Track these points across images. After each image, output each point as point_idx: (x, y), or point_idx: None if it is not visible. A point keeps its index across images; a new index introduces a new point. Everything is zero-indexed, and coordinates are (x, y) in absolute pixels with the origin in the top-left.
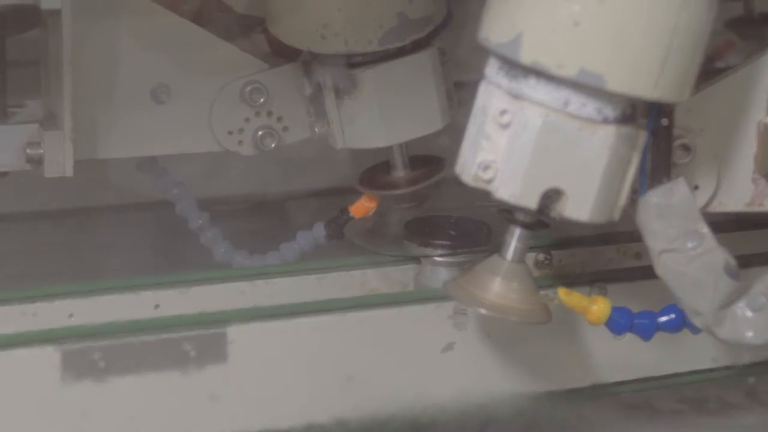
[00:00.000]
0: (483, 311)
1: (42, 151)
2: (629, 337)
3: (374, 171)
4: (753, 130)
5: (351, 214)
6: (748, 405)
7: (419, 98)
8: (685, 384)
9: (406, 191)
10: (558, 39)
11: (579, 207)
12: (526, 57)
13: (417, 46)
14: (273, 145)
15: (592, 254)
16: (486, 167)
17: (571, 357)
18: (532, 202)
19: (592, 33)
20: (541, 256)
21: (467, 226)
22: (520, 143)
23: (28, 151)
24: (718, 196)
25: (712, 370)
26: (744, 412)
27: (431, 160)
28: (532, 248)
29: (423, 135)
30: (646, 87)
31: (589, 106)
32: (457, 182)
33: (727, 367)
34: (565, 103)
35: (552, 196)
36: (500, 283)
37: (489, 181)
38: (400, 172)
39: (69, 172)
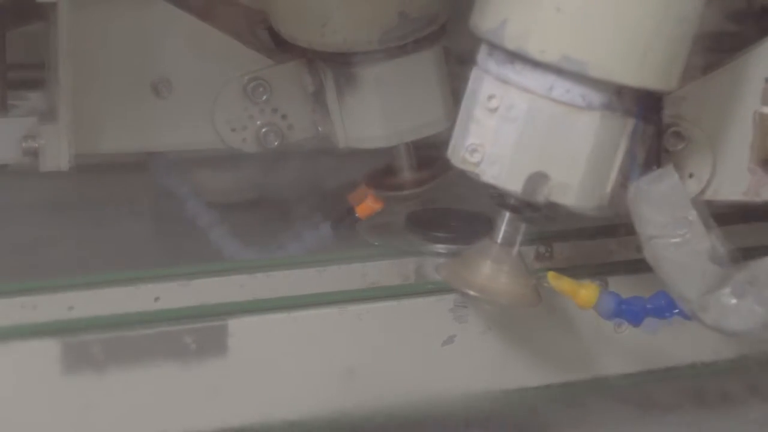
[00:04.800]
0: (473, 293)
1: (37, 144)
2: (629, 330)
3: (380, 171)
4: (749, 120)
5: (357, 215)
6: (749, 398)
7: (422, 98)
8: (685, 377)
9: (411, 192)
10: (540, 25)
11: (564, 192)
12: (510, 43)
13: (420, 45)
14: (276, 143)
15: (594, 247)
16: (473, 150)
17: (572, 350)
18: (517, 185)
19: (574, 19)
20: (542, 249)
21: (468, 218)
22: (506, 127)
23: (24, 144)
24: (714, 185)
25: (712, 362)
26: (744, 405)
27: (437, 161)
28: (533, 240)
29: (426, 136)
30: (629, 74)
31: (573, 92)
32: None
33: (728, 360)
34: (550, 88)
35: (538, 180)
36: (490, 266)
37: (476, 164)
38: (406, 173)
39: (65, 165)
